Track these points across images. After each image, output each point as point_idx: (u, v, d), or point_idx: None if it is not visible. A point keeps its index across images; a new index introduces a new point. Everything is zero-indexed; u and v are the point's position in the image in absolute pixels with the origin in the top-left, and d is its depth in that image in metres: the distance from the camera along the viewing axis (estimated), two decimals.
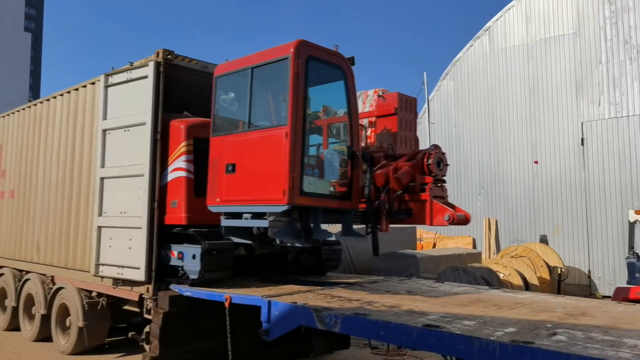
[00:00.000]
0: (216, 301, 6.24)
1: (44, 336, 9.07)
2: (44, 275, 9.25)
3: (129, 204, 7.32)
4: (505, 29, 16.85)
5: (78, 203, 8.53)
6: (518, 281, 12.30)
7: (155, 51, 7.35)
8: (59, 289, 8.70)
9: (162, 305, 6.71)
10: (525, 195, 15.87)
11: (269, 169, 5.62)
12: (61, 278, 8.78)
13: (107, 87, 7.89)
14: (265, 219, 5.60)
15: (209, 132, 6.62)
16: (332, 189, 5.89)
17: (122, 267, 7.30)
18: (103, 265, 7.61)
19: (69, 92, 9.13)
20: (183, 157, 6.89)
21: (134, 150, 7.33)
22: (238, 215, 5.96)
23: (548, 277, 13.21)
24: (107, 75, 7.90)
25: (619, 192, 14.19)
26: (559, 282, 13.26)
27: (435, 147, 6.05)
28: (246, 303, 5.90)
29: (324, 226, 5.89)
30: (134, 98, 7.43)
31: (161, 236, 7.05)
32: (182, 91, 7.91)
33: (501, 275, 12.30)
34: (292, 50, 5.64)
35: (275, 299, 5.65)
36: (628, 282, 10.67)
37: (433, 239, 17.09)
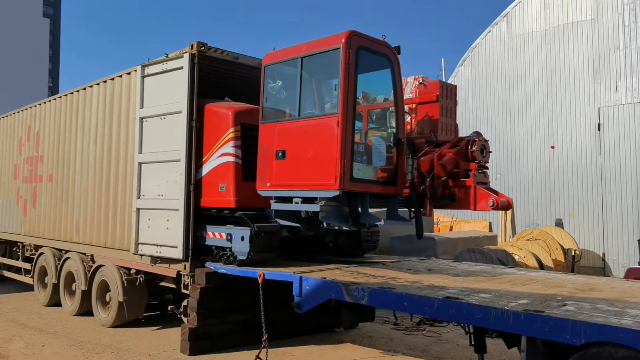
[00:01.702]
0: (250, 277, 6.76)
1: (84, 311, 9.71)
2: (84, 254, 9.86)
3: (166, 187, 7.84)
4: (523, 15, 16.96)
5: (116, 186, 9.08)
6: (533, 263, 12.66)
7: (189, 43, 7.80)
8: (99, 266, 9.31)
9: (199, 281, 7.26)
10: (542, 180, 16.13)
11: (320, 156, 5.91)
12: (101, 256, 9.38)
13: (143, 77, 8.37)
14: (315, 203, 5.92)
15: (255, 118, 6.92)
16: (378, 174, 6.19)
17: (161, 246, 7.85)
18: (142, 244, 8.17)
19: (105, 82, 9.64)
20: (231, 143, 7.20)
21: (170, 137, 7.82)
22: (288, 200, 6.27)
23: (563, 260, 13.55)
24: (144, 66, 8.38)
25: (634, 177, 14.40)
26: (573, 264, 13.59)
27: (477, 134, 6.30)
28: (279, 279, 6.41)
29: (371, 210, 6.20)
30: (170, 88, 7.90)
31: (196, 218, 7.57)
32: (217, 79, 8.35)
33: (516, 257, 12.68)
34: (343, 40, 5.87)
35: (306, 274, 6.15)
36: (639, 263, 10.99)
37: (450, 222, 17.47)
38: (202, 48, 7.68)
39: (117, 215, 9.00)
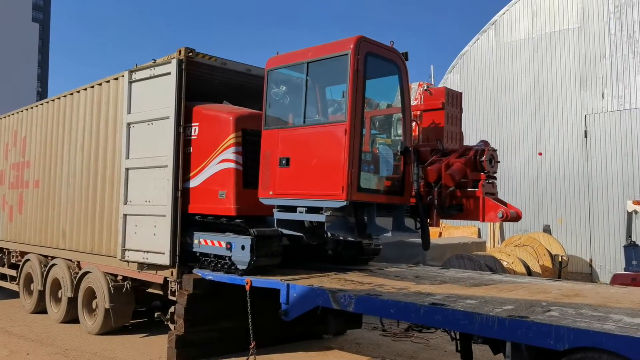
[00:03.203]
0: (237, 284, 6.73)
1: (70, 318, 9.60)
2: (70, 260, 9.77)
3: (153, 193, 7.80)
4: (511, 23, 17.13)
5: (103, 192, 9.02)
6: (521, 269, 12.74)
7: (177, 49, 7.78)
8: (86, 273, 9.22)
9: (186, 287, 7.21)
10: (530, 186, 16.25)
11: (326, 165, 5.79)
12: (87, 263, 9.30)
13: (131, 82, 8.34)
14: (321, 213, 5.81)
15: (257, 123, 6.77)
16: (385, 184, 6.12)
17: (147, 252, 7.79)
18: (129, 250, 8.11)
19: (92, 87, 9.59)
20: (232, 149, 7.00)
21: (157, 142, 7.79)
22: (291, 209, 6.15)
23: (550, 265, 13.65)
24: (131, 72, 8.35)
25: (621, 183, 14.55)
26: (560, 270, 13.69)
27: (485, 143, 6.24)
28: (266, 286, 6.39)
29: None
30: (158, 93, 7.88)
31: (184, 224, 7.53)
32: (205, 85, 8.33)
33: (504, 263, 12.75)
34: (351, 46, 5.75)
35: (293, 282, 6.13)
36: (625, 269, 11.09)
37: (439, 228, 17.52)
38: (190, 54, 7.67)
39: (103, 221, 8.94)
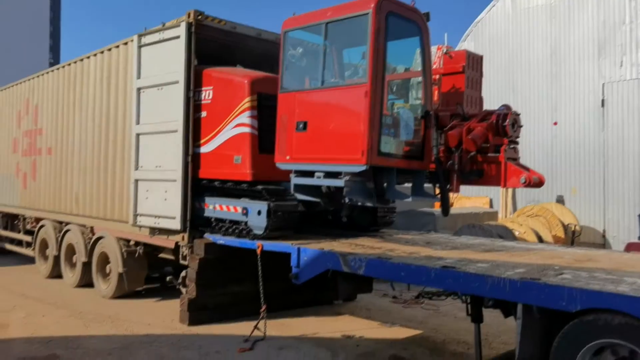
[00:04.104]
0: (249, 249, 6.75)
1: (85, 282, 9.77)
2: (84, 226, 9.88)
3: (164, 158, 7.79)
4: None
5: (114, 158, 9.04)
6: (533, 239, 12.64)
7: (186, 12, 7.65)
8: (99, 238, 9.33)
9: (197, 252, 7.26)
10: (544, 156, 16.00)
11: (345, 128, 5.68)
12: (100, 228, 9.40)
13: (140, 47, 8.25)
14: (339, 178, 5.72)
15: (272, 87, 6.64)
16: (405, 149, 6.01)
17: (159, 217, 7.83)
18: (140, 215, 8.16)
19: (102, 52, 9.52)
20: (247, 113, 6.86)
21: (167, 107, 7.74)
22: (309, 174, 6.08)
23: (562, 236, 13.53)
24: (140, 36, 8.25)
25: (637, 153, 14.27)
26: (573, 239, 13.59)
27: (507, 107, 6.09)
28: (277, 250, 6.39)
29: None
30: (167, 57, 7.79)
31: (195, 189, 7.53)
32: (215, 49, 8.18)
33: (516, 233, 12.66)
34: (372, 5, 5.57)
35: (304, 246, 6.13)
36: (639, 238, 10.97)
37: (450, 198, 17.39)
38: (200, 17, 7.54)
39: (115, 186, 8.98)
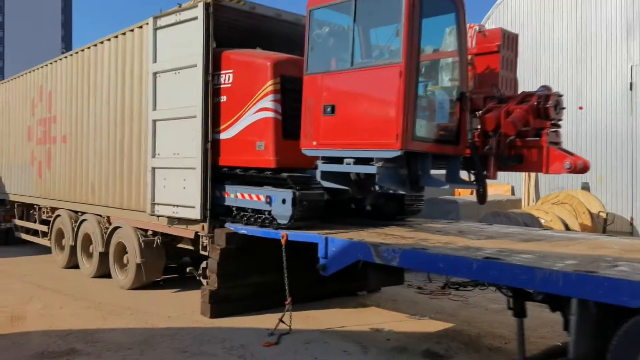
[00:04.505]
0: (272, 239, 6.47)
1: (102, 273, 9.58)
2: (100, 215, 9.67)
3: (182, 145, 7.52)
4: None
5: (130, 145, 8.79)
6: (560, 227, 12.24)
7: None
8: (116, 228, 9.11)
9: (218, 242, 6.99)
10: (569, 141, 15.38)
11: (377, 111, 5.37)
12: (117, 218, 9.18)
13: (155, 29, 7.94)
14: (371, 164, 5.43)
15: (296, 69, 6.36)
16: (440, 133, 5.71)
17: (177, 206, 7.58)
18: (158, 204, 7.91)
19: (116, 37, 9.23)
20: (270, 97, 6.49)
21: (185, 92, 7.44)
22: (337, 160, 5.80)
23: (590, 224, 13.10)
24: (156, 18, 7.94)
25: None
26: (604, 227, 13.15)
27: (546, 88, 5.75)
28: (303, 240, 6.10)
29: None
30: (184, 40, 7.48)
31: (215, 177, 7.25)
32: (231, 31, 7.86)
33: (542, 221, 12.27)
34: None
35: (331, 235, 5.83)
36: None
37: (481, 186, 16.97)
38: None
39: (132, 175, 8.74)
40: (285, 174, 6.33)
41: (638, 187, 14.18)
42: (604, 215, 13.28)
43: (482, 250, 4.89)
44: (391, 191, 5.88)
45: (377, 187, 5.83)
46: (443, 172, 6.14)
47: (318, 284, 7.49)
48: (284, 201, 6.27)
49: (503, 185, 16.82)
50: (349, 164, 5.68)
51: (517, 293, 4.80)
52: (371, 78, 5.52)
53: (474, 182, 5.92)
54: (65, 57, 11.09)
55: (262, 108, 6.58)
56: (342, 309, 7.58)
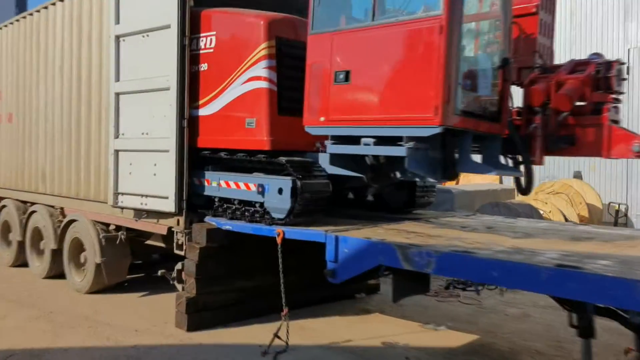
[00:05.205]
0: (264, 236, 5.32)
1: (56, 273, 8.22)
2: (52, 206, 8.30)
3: (152, 123, 6.25)
4: None
5: (88, 125, 7.45)
6: (560, 218, 11.54)
7: None
8: (71, 221, 7.77)
9: (197, 240, 5.80)
10: None
11: (409, 77, 4.29)
12: (72, 210, 7.84)
13: None
14: (399, 144, 4.37)
15: (294, 31, 5.35)
16: (482, 107, 4.71)
17: (146, 196, 6.33)
18: (122, 194, 6.63)
19: None
20: (263, 63, 5.30)
21: (156, 59, 6.16)
22: (351, 140, 4.74)
23: (587, 215, 12.44)
24: None
25: None
26: (616, 220, 12.52)
27: (599, 55, 4.84)
28: (305, 239, 4.98)
29: None
30: None
31: (193, 161, 6.03)
32: None
33: (541, 212, 11.55)
34: None
35: (342, 233, 4.73)
36: None
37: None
38: None
39: (90, 159, 7.41)
40: (283, 158, 5.15)
41: (633, 176, 13.63)
42: (616, 206, 12.62)
43: (542, 254, 3.88)
44: (417, 179, 4.81)
45: (398, 174, 4.78)
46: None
47: (311, 287, 6.43)
48: (280, 191, 5.10)
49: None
50: (368, 144, 4.58)
51: (581, 308, 3.83)
52: (401, 35, 4.39)
53: (521, 168, 4.93)
54: (11, 22, 9.53)
55: (253, 77, 5.36)
56: (342, 316, 6.52)
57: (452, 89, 4.17)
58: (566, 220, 11.57)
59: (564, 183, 13.35)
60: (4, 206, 9.65)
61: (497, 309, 6.84)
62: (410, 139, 4.33)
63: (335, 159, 4.95)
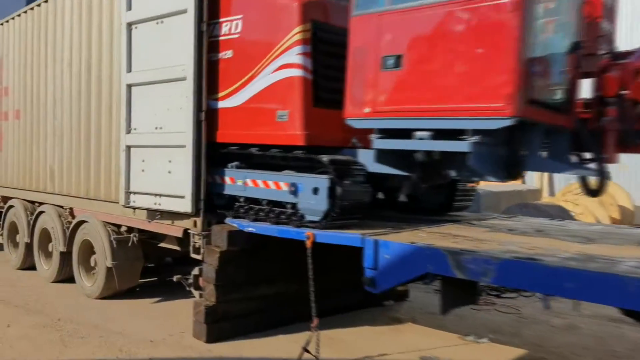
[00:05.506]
0: (291, 239, 4.83)
1: (65, 276, 7.80)
2: (61, 207, 7.87)
3: (166, 116, 5.78)
4: None
5: (98, 120, 7.01)
6: (592, 221, 10.97)
7: None
8: (81, 222, 7.33)
9: (217, 243, 5.32)
10: None
11: (475, 62, 3.77)
12: (82, 210, 7.40)
13: None
14: (461, 139, 3.87)
15: (331, 13, 4.90)
16: (552, 96, 4.22)
17: (161, 195, 5.87)
18: (135, 194, 6.18)
19: None
20: (297, 49, 4.77)
21: (171, 47, 5.70)
22: (401, 133, 4.22)
23: (619, 217, 11.85)
24: None
25: None
26: None
27: None
28: (339, 243, 4.48)
29: None
30: None
31: (211, 158, 5.56)
32: None
33: (572, 214, 10.98)
34: None
35: (382, 237, 4.23)
36: None
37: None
38: None
39: (100, 157, 6.97)
40: (325, 156, 4.61)
41: None
42: None
43: (620, 263, 3.36)
44: (479, 178, 4.31)
45: (452, 173, 4.29)
46: None
47: (336, 294, 5.96)
48: (315, 191, 4.60)
49: None
50: (423, 138, 4.04)
51: None
52: (465, 14, 3.85)
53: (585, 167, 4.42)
54: (18, 15, 9.12)
55: (286, 64, 4.82)
56: (372, 326, 6.01)
57: (526, 74, 3.66)
58: (598, 222, 11.00)
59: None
60: (11, 206, 9.25)
61: (539, 319, 6.30)
62: (476, 131, 3.81)
63: (381, 156, 4.44)
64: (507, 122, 3.66)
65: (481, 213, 6.84)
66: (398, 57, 4.08)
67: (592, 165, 4.40)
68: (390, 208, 6.13)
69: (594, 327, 5.96)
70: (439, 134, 3.98)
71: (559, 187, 14.23)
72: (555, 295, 3.62)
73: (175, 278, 5.94)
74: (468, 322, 6.18)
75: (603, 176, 4.32)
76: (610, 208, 11.93)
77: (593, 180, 4.50)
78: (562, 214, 10.45)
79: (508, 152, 4.12)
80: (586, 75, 4.42)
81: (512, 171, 4.18)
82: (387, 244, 4.08)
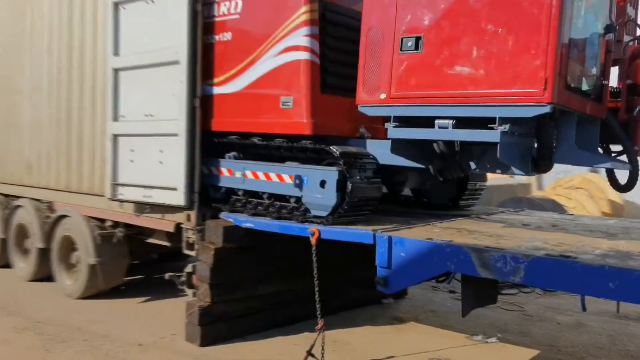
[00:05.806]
0: (293, 235, 4.51)
1: (43, 275, 7.32)
2: (39, 201, 7.40)
3: (158, 103, 5.40)
4: None
5: (81, 106, 6.57)
6: (585, 214, 10.92)
7: None
8: (61, 217, 6.88)
9: (212, 239, 4.97)
10: None
11: (506, 43, 3.46)
12: (62, 204, 6.95)
13: None
14: (489, 127, 3.56)
15: None
16: (588, 83, 3.95)
17: (151, 187, 5.48)
18: (122, 185, 5.78)
19: None
20: (303, 30, 4.42)
21: (163, 28, 5.30)
22: (420, 122, 3.92)
23: (609, 211, 11.81)
24: None
25: None
26: None
27: None
28: (347, 239, 4.18)
29: None
30: None
31: (205, 147, 5.20)
32: None
33: (565, 208, 10.89)
34: None
35: (395, 233, 3.94)
36: None
37: None
38: None
39: (83, 146, 6.53)
40: (335, 147, 4.28)
41: None
42: None
43: None
44: (507, 172, 4.04)
45: (473, 165, 4.01)
46: None
47: (334, 292, 5.68)
48: (323, 184, 4.28)
49: None
50: (446, 127, 3.74)
51: None
52: None
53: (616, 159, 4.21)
54: None
55: (291, 46, 4.47)
56: (374, 326, 5.73)
57: (565, 58, 3.39)
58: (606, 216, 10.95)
59: (583, 178, 12.70)
60: None
61: (545, 317, 6.11)
62: (506, 119, 3.52)
63: (397, 146, 4.13)
64: (543, 110, 3.38)
65: (486, 207, 6.59)
66: (417, 39, 3.78)
67: (622, 158, 4.16)
68: (392, 202, 5.85)
69: (604, 325, 5.79)
70: (464, 122, 3.69)
71: (547, 181, 14.17)
72: (592, 294, 3.36)
73: (166, 276, 5.56)
74: (472, 320, 5.93)
75: (636, 170, 4.09)
76: (601, 202, 11.88)
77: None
78: (556, 208, 10.37)
79: (538, 143, 3.86)
80: (614, 62, 4.20)
81: (542, 164, 3.92)
82: (403, 240, 3.79)
